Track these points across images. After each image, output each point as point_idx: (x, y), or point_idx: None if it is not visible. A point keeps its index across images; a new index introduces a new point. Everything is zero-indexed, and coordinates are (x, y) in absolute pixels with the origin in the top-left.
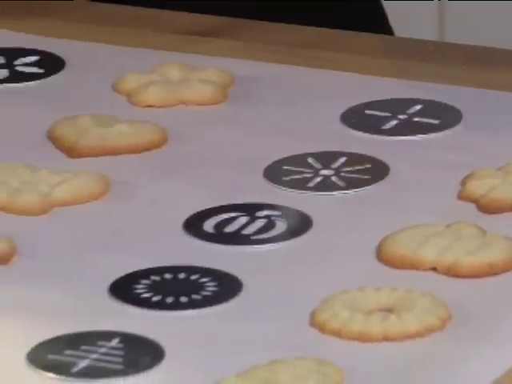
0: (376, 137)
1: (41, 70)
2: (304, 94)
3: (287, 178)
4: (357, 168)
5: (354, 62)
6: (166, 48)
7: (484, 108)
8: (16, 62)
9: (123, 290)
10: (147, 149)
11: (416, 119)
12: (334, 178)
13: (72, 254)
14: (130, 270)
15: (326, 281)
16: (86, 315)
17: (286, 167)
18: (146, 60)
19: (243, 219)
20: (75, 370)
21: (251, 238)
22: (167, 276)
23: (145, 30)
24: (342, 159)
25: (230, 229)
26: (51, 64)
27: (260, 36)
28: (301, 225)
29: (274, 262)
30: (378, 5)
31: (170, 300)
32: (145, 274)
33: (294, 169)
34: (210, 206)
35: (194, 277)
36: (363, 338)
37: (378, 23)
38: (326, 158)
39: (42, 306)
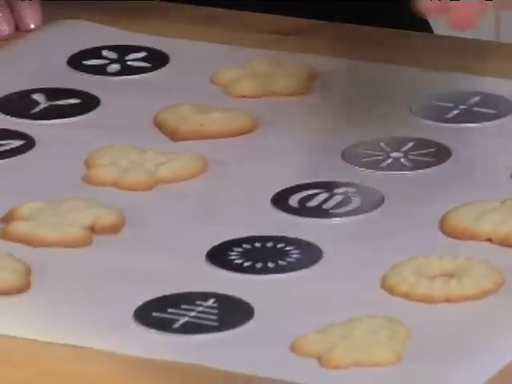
0: (440, 124)
1: (148, 65)
2: (376, 87)
3: (362, 160)
4: (423, 151)
5: (419, 59)
6: (255, 46)
7: None
8: (127, 58)
9: (219, 256)
10: (240, 134)
11: (475, 109)
12: (402, 160)
13: (174, 225)
14: (225, 239)
15: (396, 249)
16: (186, 278)
17: (361, 150)
18: (238, 56)
19: (323, 195)
20: (176, 326)
21: (330, 211)
22: (257, 244)
23: (236, 30)
24: (410, 144)
25: (311, 203)
26: (157, 59)
27: (336, 35)
28: (374, 200)
29: (351, 233)
30: None
31: (259, 265)
32: (237, 242)
33: (367, 152)
34: (294, 184)
35: (279, 245)
36: (427, 299)
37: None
38: (396, 143)
39: (148, 270)
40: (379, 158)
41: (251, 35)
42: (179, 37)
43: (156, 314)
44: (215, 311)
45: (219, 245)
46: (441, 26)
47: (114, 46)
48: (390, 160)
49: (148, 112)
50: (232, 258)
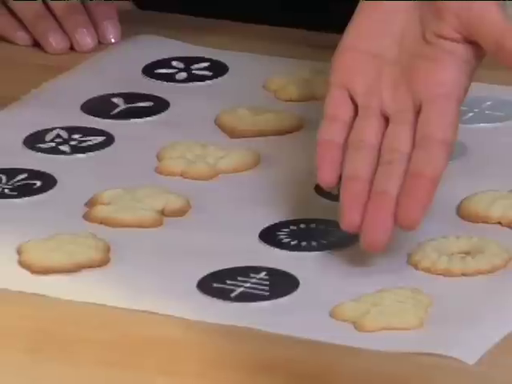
0: None
1: (210, 73)
2: None
3: None
4: None
5: None
6: (300, 57)
7: None
8: (192, 67)
9: (269, 236)
10: (288, 132)
11: (487, 112)
12: None
13: (232, 209)
14: (275, 222)
15: (420, 231)
16: (242, 254)
17: None
18: (286, 66)
19: None
20: (233, 295)
21: None
22: (302, 226)
23: (285, 44)
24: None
25: None
26: (218, 69)
27: None
28: None
29: None
30: None
31: (303, 244)
32: (285, 224)
33: None
34: None
35: (321, 227)
36: (447, 273)
37: None
38: None
39: (209, 248)
40: None
41: (297, 48)
42: (236, 50)
43: (216, 284)
44: (266, 282)
45: (270, 226)
46: None
47: (181, 57)
48: None
49: (210, 113)
50: (281, 237)
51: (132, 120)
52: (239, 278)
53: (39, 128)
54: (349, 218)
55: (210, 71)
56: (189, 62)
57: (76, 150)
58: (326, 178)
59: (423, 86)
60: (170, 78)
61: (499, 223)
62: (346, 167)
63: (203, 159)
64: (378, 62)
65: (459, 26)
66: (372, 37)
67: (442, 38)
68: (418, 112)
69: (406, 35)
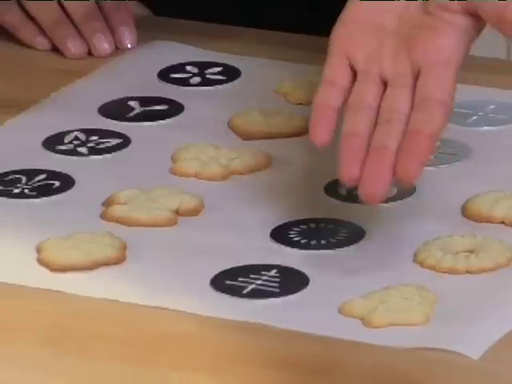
0: (462, 127)
1: (223, 78)
2: None
3: None
4: (448, 149)
5: None
6: (309, 62)
7: None
8: (206, 72)
9: (280, 235)
10: (298, 134)
11: (491, 115)
12: (432, 157)
13: (244, 208)
14: (286, 221)
15: (426, 230)
16: (253, 253)
17: None
18: (296, 70)
19: None
20: (245, 291)
21: None
22: (312, 225)
23: (295, 50)
24: (437, 143)
25: (357, 192)
26: (231, 73)
27: None
28: (407, 190)
29: (389, 217)
30: None
31: (313, 242)
32: (296, 223)
33: None
34: None
35: (330, 226)
36: (452, 271)
37: None
38: None
39: (222, 246)
40: None
41: (307, 54)
42: (249, 55)
43: (228, 281)
44: (277, 280)
45: (281, 225)
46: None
47: (195, 62)
48: None
49: (223, 116)
50: (291, 236)
51: (147, 123)
52: (251, 276)
53: (58, 130)
54: (348, 171)
55: (223, 76)
56: (202, 66)
57: (93, 151)
58: (320, 137)
59: (422, 52)
60: (184, 82)
61: (502, 223)
62: (345, 126)
63: (216, 160)
64: (379, 32)
65: None
66: (372, 10)
67: (443, 8)
68: (416, 77)
69: (407, 8)
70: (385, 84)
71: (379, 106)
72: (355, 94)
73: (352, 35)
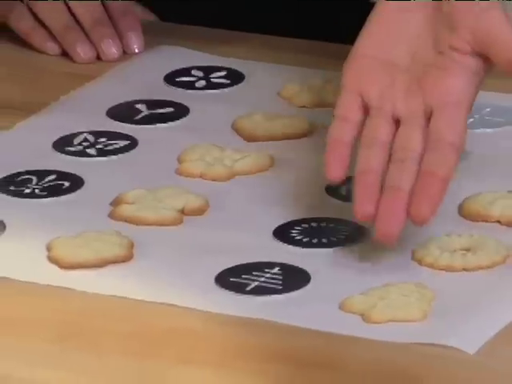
0: None
1: (228, 81)
2: None
3: None
4: None
5: None
6: (311, 66)
7: None
8: (211, 76)
9: (283, 233)
10: (300, 136)
11: (487, 118)
12: None
13: (248, 208)
14: (288, 220)
15: (424, 229)
16: (257, 251)
17: None
18: (299, 75)
19: None
20: (248, 288)
21: None
22: (313, 224)
23: (298, 54)
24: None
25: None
26: (235, 77)
27: None
28: None
29: None
30: None
31: (315, 241)
32: (298, 222)
33: None
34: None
35: (331, 225)
36: (449, 269)
37: None
38: None
39: (226, 244)
40: None
41: (309, 58)
42: (252, 59)
43: (232, 279)
44: (280, 277)
45: (283, 224)
46: None
47: (200, 66)
48: None
49: (227, 119)
50: (293, 234)
51: (154, 125)
52: (254, 273)
53: (67, 132)
54: (362, 209)
55: (228, 79)
56: (207, 70)
57: (102, 153)
58: (334, 174)
59: (433, 92)
60: (189, 85)
61: (498, 222)
62: (359, 162)
63: (221, 161)
64: (391, 69)
65: (472, 41)
66: (384, 45)
67: (454, 49)
68: (428, 117)
69: (419, 45)
70: (397, 121)
71: (392, 142)
72: (368, 129)
73: (364, 71)
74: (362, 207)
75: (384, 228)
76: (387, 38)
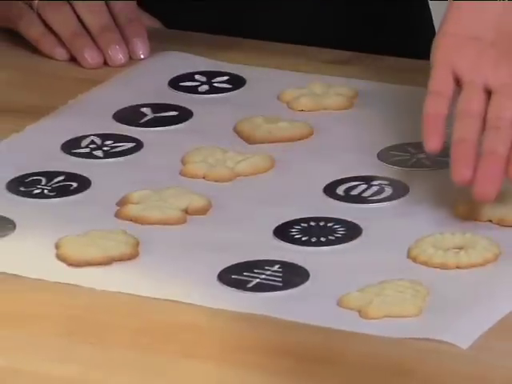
0: None
1: (230, 86)
2: (405, 101)
3: (393, 159)
4: (441, 153)
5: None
6: (311, 72)
7: None
8: (213, 80)
9: (283, 232)
10: (300, 139)
11: None
12: (424, 160)
13: (249, 208)
14: (288, 219)
15: (418, 227)
16: (258, 249)
17: (392, 152)
18: (299, 80)
19: (363, 186)
20: (249, 285)
21: (368, 198)
22: (312, 223)
23: (298, 60)
24: None
25: (354, 192)
26: (237, 82)
27: (375, 64)
28: (402, 191)
29: (384, 215)
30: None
31: (313, 239)
32: (297, 222)
33: (397, 153)
34: (341, 177)
35: (329, 224)
36: (443, 266)
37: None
38: (420, 146)
39: (228, 243)
40: (406, 157)
41: (309, 63)
42: (253, 64)
43: (234, 276)
44: (280, 274)
45: (283, 223)
46: None
47: (203, 71)
48: (414, 159)
49: (229, 122)
50: (293, 233)
51: (159, 128)
52: (255, 271)
53: (75, 135)
54: (460, 173)
55: (230, 84)
56: (210, 75)
57: (108, 154)
58: (433, 146)
59: None
60: (193, 90)
61: (490, 221)
62: (455, 132)
63: (223, 163)
64: (478, 44)
65: None
66: (470, 22)
67: None
68: None
69: (502, 21)
70: (489, 93)
71: (485, 113)
72: (462, 101)
73: (453, 47)
74: (460, 172)
75: (482, 188)
76: (472, 16)
